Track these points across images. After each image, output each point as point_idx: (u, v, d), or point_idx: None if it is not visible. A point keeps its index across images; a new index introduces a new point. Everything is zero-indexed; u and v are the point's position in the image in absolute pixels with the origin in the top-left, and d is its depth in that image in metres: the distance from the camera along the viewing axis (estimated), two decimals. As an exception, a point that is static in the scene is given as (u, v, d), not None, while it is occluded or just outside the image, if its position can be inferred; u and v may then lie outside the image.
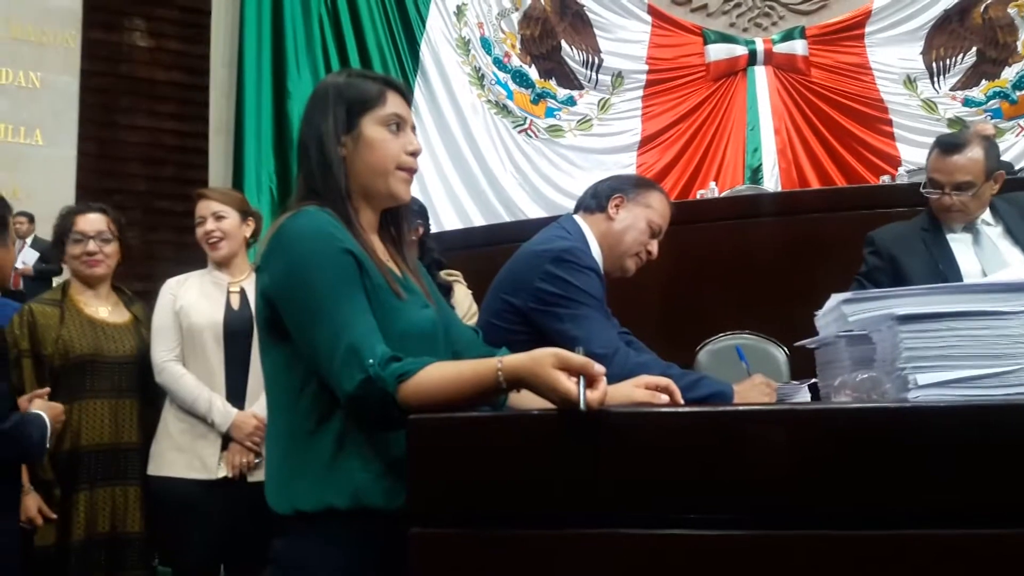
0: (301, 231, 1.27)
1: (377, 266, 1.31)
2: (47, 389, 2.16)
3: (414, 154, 1.38)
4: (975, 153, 2.34)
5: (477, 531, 1.04)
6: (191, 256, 2.72)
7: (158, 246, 4.97)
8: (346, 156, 1.35)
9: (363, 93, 1.36)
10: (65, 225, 2.53)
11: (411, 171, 1.38)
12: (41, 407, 2.07)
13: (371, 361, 1.16)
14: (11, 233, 2.19)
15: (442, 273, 2.77)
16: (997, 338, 1.02)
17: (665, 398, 1.24)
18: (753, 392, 1.77)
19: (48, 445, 2.05)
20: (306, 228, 1.27)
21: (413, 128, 1.41)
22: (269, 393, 1.35)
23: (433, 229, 3.39)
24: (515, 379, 1.12)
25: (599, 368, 1.05)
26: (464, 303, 2.75)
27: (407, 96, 1.43)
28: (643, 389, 1.25)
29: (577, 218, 1.99)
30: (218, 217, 2.54)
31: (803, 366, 1.73)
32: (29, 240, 5.66)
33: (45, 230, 2.61)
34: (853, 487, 0.96)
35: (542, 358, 1.08)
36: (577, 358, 1.06)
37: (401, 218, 1.45)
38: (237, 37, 6.25)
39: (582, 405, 1.01)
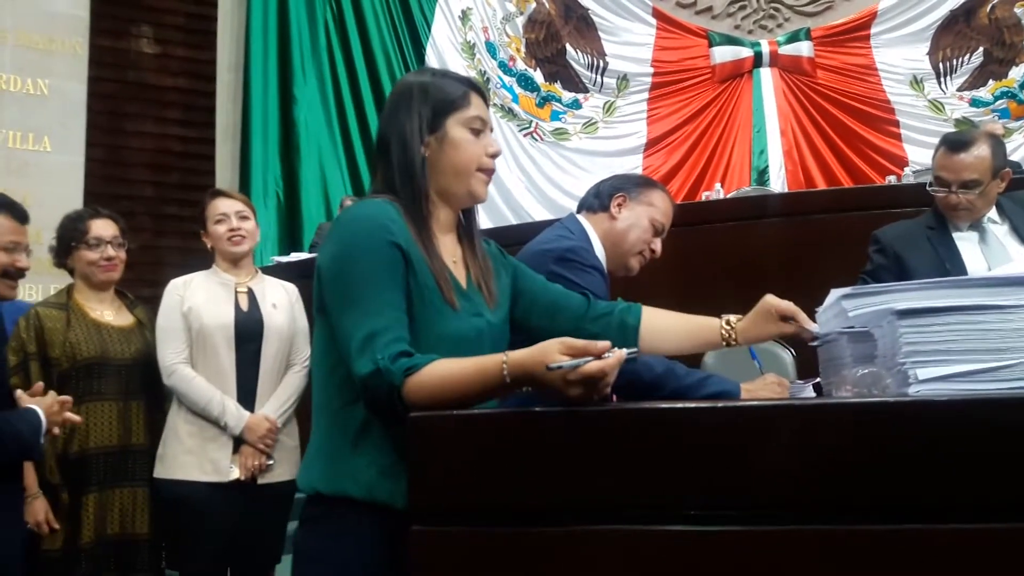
0: (355, 217, 1.31)
1: (435, 270, 1.31)
2: (40, 384, 2.11)
3: (494, 156, 1.41)
4: (982, 151, 2.32)
5: (479, 529, 1.04)
6: (198, 261, 2.73)
7: (166, 251, 5.00)
8: (428, 156, 1.37)
9: (448, 94, 1.39)
10: (78, 229, 2.53)
11: (490, 172, 1.42)
12: (37, 401, 2.02)
13: (381, 355, 1.16)
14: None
15: None
16: (998, 332, 1.02)
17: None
18: (764, 390, 1.75)
19: (43, 441, 1.99)
20: (360, 215, 1.31)
21: (491, 129, 1.43)
22: (313, 369, 1.39)
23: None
24: (521, 372, 1.11)
25: (603, 344, 1.06)
26: None
27: (486, 98, 1.45)
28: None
29: (580, 218, 1.99)
30: (242, 217, 2.59)
31: (810, 366, 1.72)
32: None
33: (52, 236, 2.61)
34: (853, 482, 0.95)
35: (548, 346, 1.08)
36: (580, 341, 1.07)
37: (475, 216, 1.49)
38: (243, 43, 6.28)
39: (551, 364, 1.03)
